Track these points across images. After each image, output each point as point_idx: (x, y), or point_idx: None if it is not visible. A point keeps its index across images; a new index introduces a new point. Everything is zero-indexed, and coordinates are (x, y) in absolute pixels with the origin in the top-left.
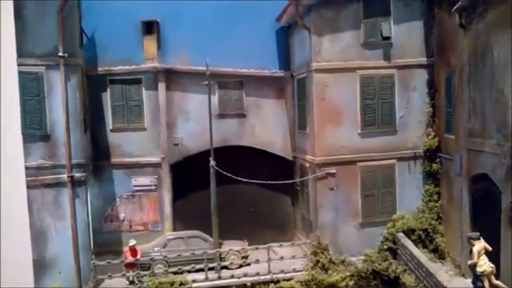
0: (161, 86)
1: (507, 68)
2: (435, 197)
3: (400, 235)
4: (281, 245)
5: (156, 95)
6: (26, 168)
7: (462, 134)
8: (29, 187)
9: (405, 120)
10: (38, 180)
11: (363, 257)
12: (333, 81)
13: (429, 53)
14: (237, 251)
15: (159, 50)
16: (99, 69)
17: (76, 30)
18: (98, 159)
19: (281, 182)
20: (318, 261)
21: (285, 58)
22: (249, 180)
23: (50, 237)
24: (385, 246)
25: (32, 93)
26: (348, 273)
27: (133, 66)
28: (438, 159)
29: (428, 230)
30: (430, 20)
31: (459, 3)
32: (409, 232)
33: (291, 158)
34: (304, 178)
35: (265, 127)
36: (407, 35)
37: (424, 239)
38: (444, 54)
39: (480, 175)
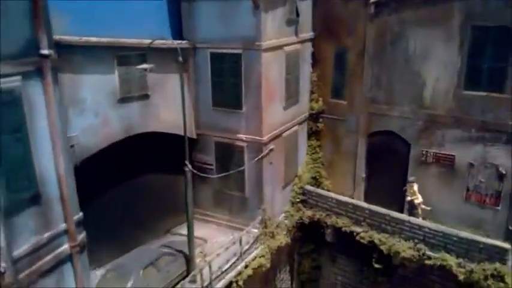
0: None
1: (425, 58)
2: (318, 150)
3: (310, 188)
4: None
5: None
6: (15, 260)
7: (360, 101)
8: None
9: (302, 90)
10: (33, 271)
11: (283, 214)
12: (272, 60)
13: (314, 28)
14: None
15: None
16: None
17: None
18: None
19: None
20: (270, 231)
21: (176, 25)
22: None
23: None
24: (297, 199)
25: (7, 128)
26: (284, 232)
27: None
28: (321, 120)
29: (317, 177)
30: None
31: None
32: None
33: (194, 136)
34: (256, 159)
35: (170, 107)
36: (304, 12)
37: (314, 184)
38: (333, 32)
39: (377, 132)
